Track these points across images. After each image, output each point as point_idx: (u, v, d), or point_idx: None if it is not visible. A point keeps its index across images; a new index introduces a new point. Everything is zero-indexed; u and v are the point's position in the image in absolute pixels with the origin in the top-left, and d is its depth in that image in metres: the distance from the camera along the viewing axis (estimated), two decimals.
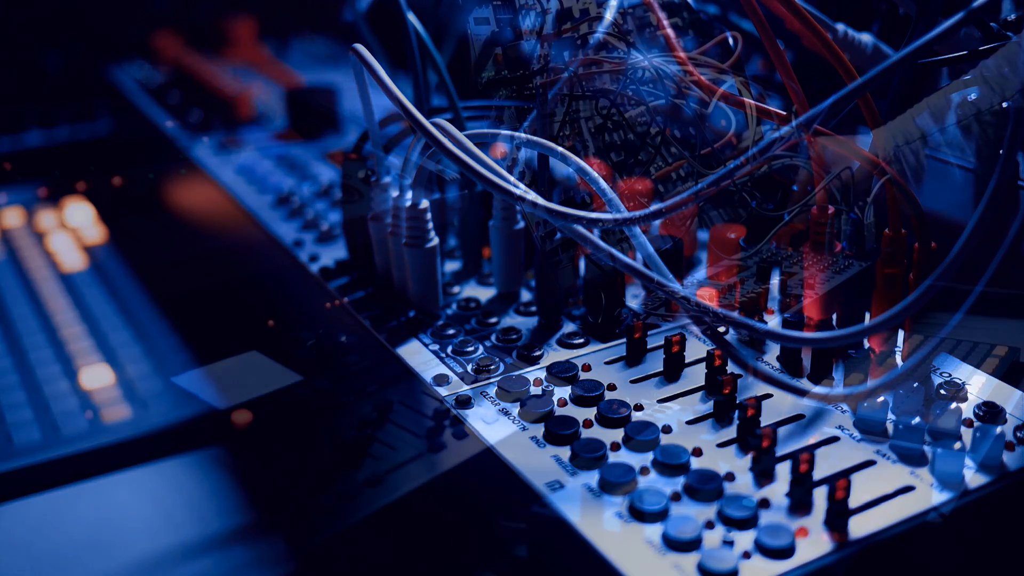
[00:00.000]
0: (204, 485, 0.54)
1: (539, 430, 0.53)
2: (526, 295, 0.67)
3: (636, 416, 0.54)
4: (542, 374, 0.58)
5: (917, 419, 0.50)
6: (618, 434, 0.52)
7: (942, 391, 0.54)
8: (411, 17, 0.68)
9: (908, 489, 0.48)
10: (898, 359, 0.57)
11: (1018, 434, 0.51)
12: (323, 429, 0.57)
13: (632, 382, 0.57)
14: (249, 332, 0.65)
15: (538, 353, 0.60)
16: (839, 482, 0.45)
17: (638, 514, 0.46)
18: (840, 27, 0.68)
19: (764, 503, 0.47)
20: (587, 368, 0.59)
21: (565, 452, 0.51)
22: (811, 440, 0.52)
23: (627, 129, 0.66)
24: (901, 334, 0.58)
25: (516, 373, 0.58)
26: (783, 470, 0.49)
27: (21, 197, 0.91)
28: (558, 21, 0.64)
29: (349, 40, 0.66)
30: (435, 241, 0.64)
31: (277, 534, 0.50)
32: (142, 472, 0.55)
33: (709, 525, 0.46)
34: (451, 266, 0.71)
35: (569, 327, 0.63)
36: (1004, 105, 0.51)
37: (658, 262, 0.56)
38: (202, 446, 0.56)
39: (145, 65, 1.22)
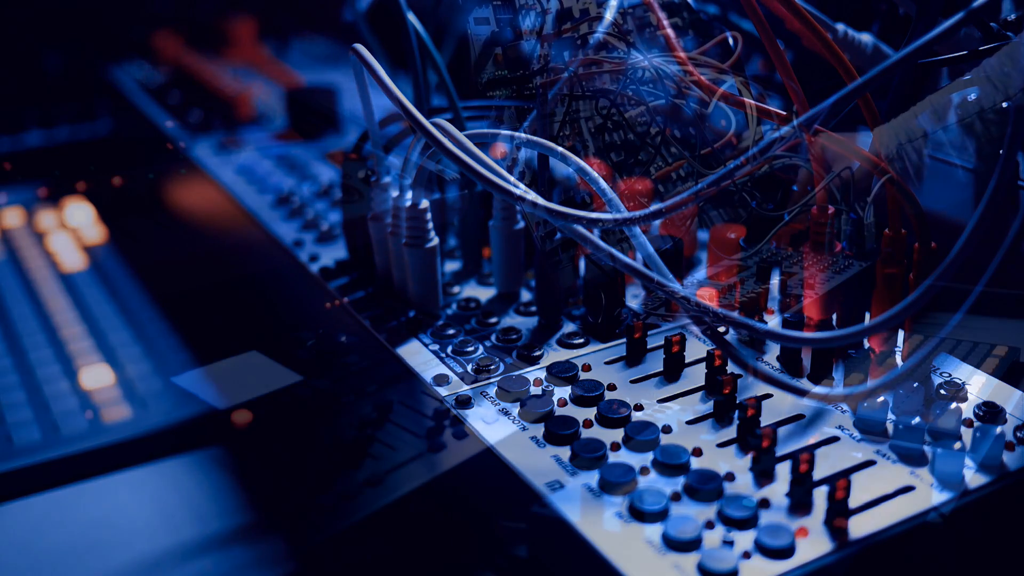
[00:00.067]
0: (204, 485, 0.54)
1: (539, 430, 0.53)
2: (526, 295, 0.67)
3: (636, 416, 0.54)
4: (542, 374, 0.58)
5: (917, 419, 0.50)
6: (618, 434, 0.52)
7: (942, 391, 0.54)
8: (411, 17, 0.68)
9: (908, 489, 0.48)
10: (898, 359, 0.57)
11: (1018, 434, 0.51)
12: (323, 429, 0.57)
13: (632, 382, 0.57)
14: (249, 332, 0.65)
15: (538, 353, 0.60)
16: (839, 482, 0.45)
17: (638, 514, 0.46)
18: (840, 27, 0.68)
19: (764, 503, 0.47)
20: (587, 368, 0.59)
21: (565, 452, 0.51)
22: (811, 440, 0.52)
23: (627, 129, 0.66)
24: (901, 334, 0.58)
25: (516, 373, 0.58)
26: (783, 470, 0.49)
27: (21, 197, 0.91)
28: (558, 21, 0.64)
29: (349, 40, 0.66)
30: (435, 241, 0.64)
31: (277, 534, 0.50)
32: (142, 472, 0.55)
33: (709, 525, 0.46)
34: (451, 266, 0.71)
35: (569, 327, 0.63)
36: (1004, 105, 0.51)
37: (658, 262, 0.56)
38: (202, 446, 0.56)
39: (145, 65, 1.22)
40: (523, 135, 0.58)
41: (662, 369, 0.58)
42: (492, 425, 0.54)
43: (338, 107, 1.00)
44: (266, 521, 0.51)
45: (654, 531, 0.46)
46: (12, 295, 0.74)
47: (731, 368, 0.55)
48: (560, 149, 0.57)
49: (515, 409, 0.55)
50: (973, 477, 0.48)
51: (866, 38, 0.68)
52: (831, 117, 0.50)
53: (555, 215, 0.52)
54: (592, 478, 0.49)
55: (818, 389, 0.55)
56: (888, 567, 0.46)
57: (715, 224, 0.67)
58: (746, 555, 0.44)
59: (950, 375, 0.56)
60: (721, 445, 0.51)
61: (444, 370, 0.59)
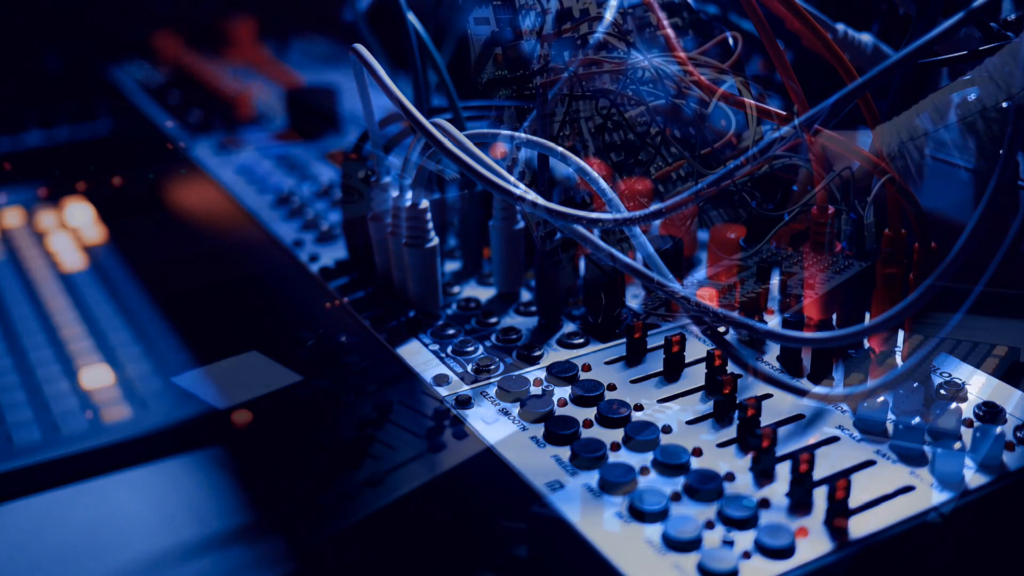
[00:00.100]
0: (204, 485, 0.54)
1: (539, 430, 0.53)
2: (526, 295, 0.67)
3: (636, 416, 0.54)
4: (542, 374, 0.58)
5: (917, 419, 0.50)
6: (618, 434, 0.52)
7: (942, 391, 0.54)
8: (411, 17, 0.68)
9: (908, 489, 0.48)
10: (898, 359, 0.57)
11: (1018, 434, 0.51)
12: (323, 429, 0.57)
13: (632, 382, 0.57)
14: (249, 332, 0.65)
15: (538, 353, 0.60)
16: (839, 482, 0.45)
17: (638, 514, 0.46)
18: (840, 27, 0.68)
19: (764, 503, 0.47)
20: (587, 368, 0.59)
21: (565, 452, 0.51)
22: (811, 440, 0.52)
23: (627, 129, 0.66)
24: (901, 334, 0.58)
25: (516, 373, 0.58)
26: (783, 470, 0.49)
27: (21, 197, 0.91)
28: (558, 21, 0.64)
29: (349, 40, 0.66)
30: (435, 241, 0.64)
31: (277, 534, 0.50)
32: (142, 472, 0.55)
33: (709, 525, 0.46)
34: (451, 266, 0.71)
35: (569, 327, 0.63)
36: (1004, 105, 0.51)
37: (658, 262, 0.56)
38: (202, 446, 0.56)
39: (145, 65, 1.22)
40: (523, 135, 0.58)
41: (662, 369, 0.58)
42: (492, 425, 0.54)
43: (338, 107, 1.00)
44: (266, 521, 0.51)
45: (654, 531, 0.46)
46: (12, 295, 0.74)
47: (731, 368, 0.55)
48: (560, 149, 0.57)
49: (515, 409, 0.55)
50: (973, 477, 0.48)
51: (866, 38, 0.68)
52: (831, 117, 0.50)
53: (555, 215, 0.52)
54: (592, 478, 0.49)
55: (818, 389, 0.55)
56: (888, 567, 0.46)
57: (715, 224, 0.67)
58: (746, 555, 0.44)
59: (950, 375, 0.56)
60: (721, 445, 0.51)
61: (444, 370, 0.59)
